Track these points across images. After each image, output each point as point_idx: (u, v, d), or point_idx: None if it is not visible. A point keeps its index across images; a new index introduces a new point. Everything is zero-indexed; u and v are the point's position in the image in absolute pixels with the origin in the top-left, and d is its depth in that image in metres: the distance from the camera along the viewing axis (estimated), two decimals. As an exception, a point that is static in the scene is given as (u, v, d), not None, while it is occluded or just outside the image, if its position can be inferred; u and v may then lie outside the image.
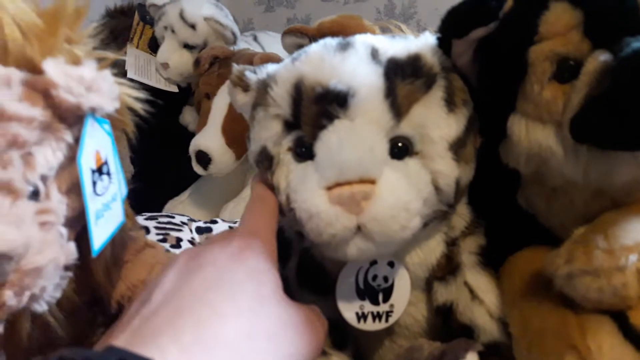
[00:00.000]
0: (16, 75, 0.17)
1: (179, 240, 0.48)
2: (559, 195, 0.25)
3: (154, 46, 0.74)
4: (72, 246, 0.19)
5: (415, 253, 0.26)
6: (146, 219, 0.51)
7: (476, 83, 0.25)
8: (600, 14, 0.21)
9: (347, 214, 0.21)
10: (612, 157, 0.21)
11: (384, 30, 0.37)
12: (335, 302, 0.26)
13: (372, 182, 0.21)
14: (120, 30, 0.73)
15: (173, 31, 0.70)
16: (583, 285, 0.20)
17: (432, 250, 0.27)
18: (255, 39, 0.85)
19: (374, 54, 0.24)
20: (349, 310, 0.26)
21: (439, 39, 0.25)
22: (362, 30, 0.41)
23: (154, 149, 0.73)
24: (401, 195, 0.22)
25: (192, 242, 0.49)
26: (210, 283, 0.18)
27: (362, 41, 0.25)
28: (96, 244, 0.19)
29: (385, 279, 0.26)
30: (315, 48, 0.25)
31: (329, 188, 0.21)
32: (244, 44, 0.77)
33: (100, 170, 0.20)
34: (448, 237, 0.27)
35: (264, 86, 0.25)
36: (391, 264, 0.26)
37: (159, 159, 0.73)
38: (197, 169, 0.64)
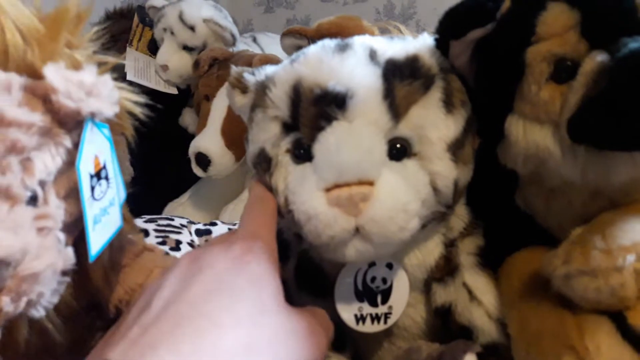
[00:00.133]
0: (16, 80, 0.17)
1: (178, 242, 0.48)
2: (556, 196, 0.25)
3: (153, 48, 0.74)
4: (69, 251, 0.19)
5: (414, 254, 0.26)
6: (145, 221, 0.51)
7: (474, 84, 0.25)
8: (597, 15, 0.21)
9: (345, 216, 0.21)
10: (609, 158, 0.21)
11: (383, 31, 0.37)
12: (334, 304, 0.26)
13: (371, 183, 0.21)
14: (120, 33, 0.73)
15: (172, 33, 0.70)
16: (581, 286, 0.20)
17: (431, 251, 0.27)
18: (254, 40, 0.85)
19: (373, 55, 0.24)
20: (347, 312, 0.26)
21: (436, 40, 0.25)
22: (361, 31, 0.41)
23: (154, 151, 0.73)
24: (399, 197, 0.22)
25: (191, 244, 0.49)
26: (210, 290, 0.17)
27: (360, 42, 0.25)
28: (93, 249, 0.19)
29: (384, 280, 0.26)
30: (313, 49, 0.25)
31: (328, 190, 0.21)
32: (243, 45, 0.77)
33: (98, 175, 0.20)
34: (446, 238, 0.27)
35: (263, 88, 0.25)
36: (390, 266, 0.26)
37: (159, 161, 0.73)
38: (197, 171, 0.64)
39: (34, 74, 0.18)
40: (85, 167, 0.19)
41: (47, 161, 0.18)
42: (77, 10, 0.19)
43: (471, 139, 0.25)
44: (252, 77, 0.27)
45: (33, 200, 0.17)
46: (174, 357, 0.15)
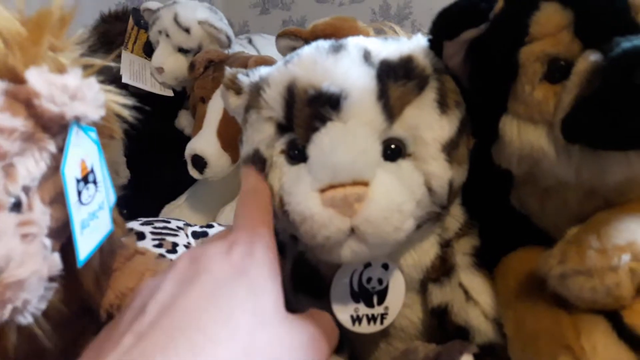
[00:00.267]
0: None
1: (174, 245, 0.48)
2: (551, 196, 0.25)
3: (148, 50, 0.73)
4: (56, 257, 0.18)
5: (409, 255, 0.26)
6: (142, 224, 0.51)
7: (468, 84, 0.25)
8: (590, 14, 0.21)
9: (340, 216, 0.21)
10: (604, 157, 0.21)
11: (378, 32, 0.37)
12: (330, 305, 0.26)
13: (365, 184, 0.21)
14: (115, 35, 0.73)
15: (167, 35, 0.70)
16: (576, 285, 0.20)
17: (426, 251, 0.27)
18: (250, 41, 0.85)
19: (367, 56, 0.24)
20: (343, 313, 0.26)
21: (430, 40, 0.25)
22: (356, 32, 0.41)
23: (150, 154, 0.73)
24: (394, 197, 0.22)
25: (188, 247, 0.48)
26: (207, 298, 0.17)
27: (354, 43, 0.25)
28: (82, 254, 0.19)
29: (380, 281, 0.26)
30: (307, 50, 0.25)
31: (322, 190, 0.21)
32: (239, 47, 0.77)
33: (85, 179, 0.19)
34: (442, 238, 0.27)
35: (257, 89, 0.25)
36: (385, 266, 0.26)
37: (155, 164, 0.73)
38: (193, 173, 0.64)
39: (16, 79, 0.17)
40: (70, 172, 0.18)
41: (31, 167, 0.17)
42: (61, 13, 0.19)
43: (466, 139, 0.25)
44: (246, 78, 0.27)
45: (17, 206, 0.17)
46: None
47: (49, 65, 0.18)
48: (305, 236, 0.22)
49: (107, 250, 0.24)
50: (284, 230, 0.27)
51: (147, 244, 0.46)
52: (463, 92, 0.25)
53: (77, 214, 0.19)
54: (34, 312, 0.18)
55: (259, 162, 0.25)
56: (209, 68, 0.66)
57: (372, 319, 0.26)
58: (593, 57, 0.20)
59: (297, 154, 0.24)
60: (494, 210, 0.28)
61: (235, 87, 0.27)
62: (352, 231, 0.21)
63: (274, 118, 0.24)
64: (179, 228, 0.51)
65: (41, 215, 0.18)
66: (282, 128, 0.24)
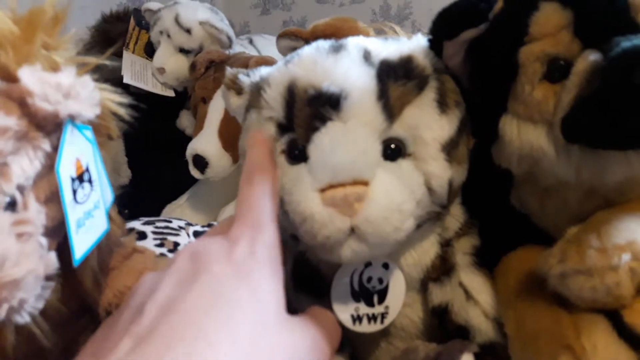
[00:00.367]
0: None
1: (176, 244, 0.48)
2: (551, 195, 0.25)
3: (150, 51, 0.74)
4: (52, 256, 0.18)
5: (410, 254, 0.27)
6: (143, 223, 0.51)
7: (468, 84, 0.25)
8: (590, 14, 0.21)
9: (340, 216, 0.21)
10: (603, 157, 0.21)
11: (379, 32, 0.38)
12: (331, 304, 0.26)
13: (365, 183, 0.21)
14: (116, 36, 0.74)
15: (169, 36, 0.70)
16: (576, 285, 0.20)
17: (426, 251, 0.27)
18: (251, 42, 0.85)
19: (367, 56, 0.24)
20: (344, 312, 0.26)
21: (430, 40, 0.25)
22: (356, 32, 0.41)
23: (152, 154, 0.73)
24: (394, 197, 0.22)
25: (189, 246, 0.49)
26: (207, 300, 0.16)
27: (354, 43, 0.25)
28: (77, 253, 0.19)
29: (380, 280, 0.26)
30: (307, 51, 0.25)
31: (323, 190, 0.21)
32: (240, 47, 0.77)
33: (81, 177, 0.19)
34: (442, 238, 0.27)
35: (257, 89, 0.25)
36: (386, 266, 0.26)
37: (157, 163, 0.73)
38: (194, 173, 0.64)
39: (9, 77, 0.17)
40: (65, 170, 0.18)
41: (25, 165, 0.17)
42: (54, 11, 0.19)
43: (465, 139, 0.25)
44: (247, 78, 0.27)
45: (11, 205, 0.17)
46: None
47: (42, 63, 0.18)
48: (306, 236, 0.22)
49: (106, 249, 0.24)
50: (285, 230, 0.28)
51: (149, 243, 0.47)
52: (463, 92, 0.25)
53: (73, 213, 0.19)
54: (32, 311, 0.18)
55: None
56: (210, 68, 0.66)
57: (372, 318, 0.26)
58: (593, 56, 0.20)
59: (297, 154, 0.24)
60: (494, 210, 0.28)
61: (236, 87, 0.27)
62: (353, 231, 0.21)
63: (275, 118, 0.24)
64: (181, 228, 0.51)
65: (36, 214, 0.18)
66: (283, 128, 0.24)
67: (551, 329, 0.22)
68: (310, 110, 0.23)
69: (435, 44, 0.25)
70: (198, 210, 0.71)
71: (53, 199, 0.19)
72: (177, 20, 0.69)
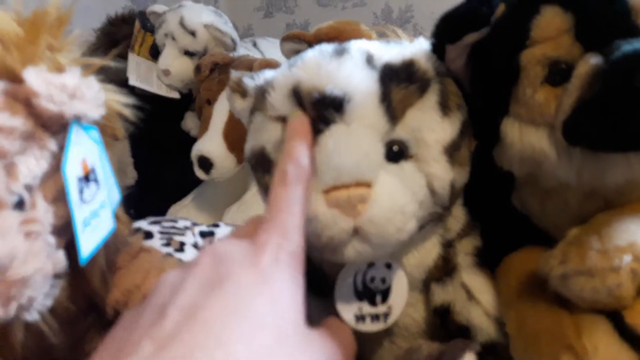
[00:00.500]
0: None
1: (182, 244, 0.48)
2: (552, 197, 0.25)
3: (155, 53, 0.74)
4: (60, 255, 0.18)
5: (412, 255, 0.27)
6: (150, 223, 0.51)
7: (470, 87, 0.26)
8: (591, 18, 0.21)
9: (344, 217, 0.21)
10: (604, 159, 0.21)
11: (381, 35, 0.38)
12: (334, 304, 0.26)
13: (368, 185, 0.22)
14: (122, 38, 0.74)
15: (173, 38, 0.71)
16: (577, 286, 0.20)
17: (429, 251, 0.27)
18: (254, 44, 0.85)
19: (369, 59, 0.24)
20: (347, 312, 0.26)
21: (433, 44, 0.26)
22: (359, 35, 0.41)
23: (158, 155, 0.73)
24: (397, 198, 0.22)
25: (195, 246, 0.49)
26: (229, 310, 0.16)
27: (357, 47, 0.25)
28: (84, 252, 0.19)
29: (383, 280, 0.26)
30: (311, 54, 0.25)
31: (327, 191, 0.22)
32: (244, 50, 0.78)
33: (87, 177, 0.19)
34: (444, 238, 0.27)
35: (262, 92, 0.26)
36: (388, 266, 0.26)
37: (162, 164, 0.74)
38: (199, 174, 0.64)
39: (14, 78, 0.17)
40: (72, 170, 0.18)
41: (32, 165, 0.17)
42: (58, 13, 0.19)
43: (467, 141, 0.25)
44: (251, 81, 0.27)
45: (20, 204, 0.17)
46: None
47: (47, 64, 0.18)
48: (310, 236, 0.22)
49: (113, 248, 0.24)
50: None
51: (156, 242, 0.47)
52: (465, 95, 0.26)
53: (79, 212, 0.19)
54: (40, 309, 0.18)
55: (265, 162, 0.25)
56: (215, 71, 0.67)
57: (375, 317, 0.26)
58: (594, 60, 0.20)
59: (301, 156, 0.24)
60: (495, 211, 0.28)
61: (240, 90, 0.28)
62: (356, 231, 0.22)
63: (281, 118, 0.25)
64: (187, 227, 0.52)
65: (44, 213, 0.18)
66: (288, 130, 0.25)
67: (552, 329, 0.22)
68: (314, 113, 0.23)
69: (438, 48, 0.25)
70: (203, 210, 0.71)
71: (60, 198, 0.19)
72: (182, 23, 0.70)
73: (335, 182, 0.22)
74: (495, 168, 0.25)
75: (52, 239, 0.18)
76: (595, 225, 0.22)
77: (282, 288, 0.18)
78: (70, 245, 0.20)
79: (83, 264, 0.19)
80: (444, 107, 0.24)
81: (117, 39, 0.75)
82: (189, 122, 0.78)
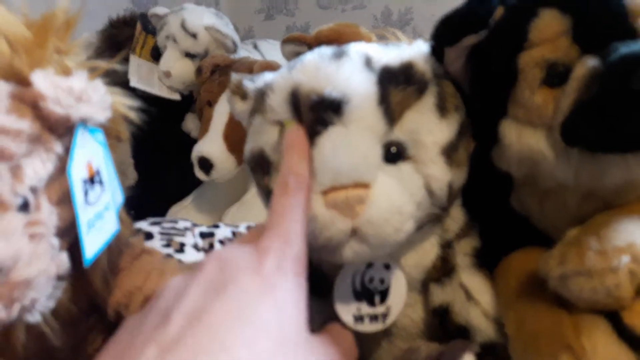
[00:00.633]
0: (3, 87, 0.17)
1: (182, 245, 0.48)
2: (551, 198, 0.25)
3: (156, 55, 0.75)
4: (64, 256, 0.19)
5: (410, 255, 0.27)
6: (150, 224, 0.52)
7: (468, 89, 0.26)
8: (588, 20, 0.21)
9: (342, 218, 0.22)
10: (602, 160, 0.21)
11: (380, 38, 0.38)
12: (333, 304, 0.26)
13: (367, 186, 0.22)
14: (123, 40, 0.75)
15: (175, 40, 0.71)
16: (576, 286, 0.20)
17: (427, 252, 0.27)
18: (255, 47, 0.86)
19: (368, 62, 0.24)
20: (346, 312, 0.26)
21: (431, 46, 0.26)
22: (358, 37, 0.41)
23: (158, 156, 0.74)
24: (395, 199, 0.22)
25: (195, 246, 0.49)
26: (232, 315, 0.16)
27: (356, 50, 0.25)
28: (88, 254, 0.19)
29: (382, 281, 0.26)
30: (310, 57, 0.26)
31: (325, 192, 0.22)
32: (245, 52, 0.78)
33: (92, 179, 0.20)
34: (442, 239, 0.28)
35: (261, 94, 0.26)
36: (387, 266, 0.26)
37: (163, 165, 0.74)
38: (200, 175, 0.65)
39: (22, 81, 0.18)
40: (77, 173, 0.19)
41: (38, 167, 0.17)
42: (66, 16, 0.19)
43: (465, 142, 0.25)
44: (251, 83, 0.27)
45: (24, 206, 0.17)
46: None
47: (55, 67, 0.18)
48: (308, 237, 0.22)
49: (115, 249, 0.24)
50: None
51: (156, 243, 0.47)
52: (464, 97, 0.26)
53: (84, 214, 0.19)
54: (43, 310, 0.18)
55: (264, 163, 0.25)
56: (216, 72, 0.67)
57: (374, 318, 0.26)
58: (591, 62, 0.21)
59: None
60: (494, 212, 0.28)
61: (240, 93, 0.28)
62: (354, 232, 0.22)
63: (280, 121, 0.25)
64: (187, 229, 0.52)
65: (49, 215, 0.18)
66: (287, 132, 0.25)
67: (551, 330, 0.22)
68: (313, 114, 0.23)
69: (437, 50, 0.25)
70: (203, 211, 0.72)
71: (65, 200, 0.19)
72: (183, 26, 0.70)
73: (333, 183, 0.22)
74: (493, 169, 0.26)
75: (56, 241, 0.18)
76: (593, 225, 0.22)
77: (285, 294, 0.18)
78: (72, 247, 0.20)
79: (87, 266, 0.19)
80: (442, 109, 0.24)
81: (119, 41, 0.75)
82: (190, 123, 0.78)
